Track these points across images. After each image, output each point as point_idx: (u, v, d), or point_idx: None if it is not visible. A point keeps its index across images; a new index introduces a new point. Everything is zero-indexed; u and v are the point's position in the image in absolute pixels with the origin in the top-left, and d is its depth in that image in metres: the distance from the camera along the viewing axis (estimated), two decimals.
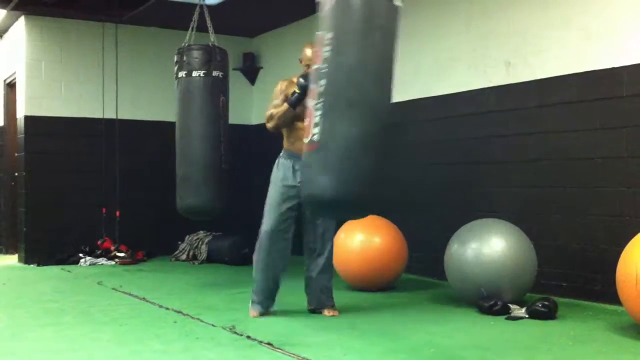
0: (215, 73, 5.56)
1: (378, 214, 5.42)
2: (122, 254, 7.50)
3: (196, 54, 5.54)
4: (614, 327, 4.02)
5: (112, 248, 7.57)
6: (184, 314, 4.52)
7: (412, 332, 3.99)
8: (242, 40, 8.71)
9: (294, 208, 4.36)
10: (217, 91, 5.60)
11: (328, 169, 3.22)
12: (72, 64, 7.83)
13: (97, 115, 7.79)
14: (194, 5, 5.86)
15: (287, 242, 4.42)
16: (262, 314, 4.44)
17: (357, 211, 3.51)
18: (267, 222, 4.39)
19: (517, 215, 5.13)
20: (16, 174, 8.13)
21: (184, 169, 5.60)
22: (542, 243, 4.94)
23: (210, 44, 5.65)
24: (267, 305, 4.47)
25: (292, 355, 3.43)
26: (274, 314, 4.52)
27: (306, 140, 3.32)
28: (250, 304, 4.50)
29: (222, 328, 4.05)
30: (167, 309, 4.73)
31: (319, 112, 3.27)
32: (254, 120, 8.53)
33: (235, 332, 3.93)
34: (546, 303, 4.28)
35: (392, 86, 3.40)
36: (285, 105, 4.35)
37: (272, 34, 8.51)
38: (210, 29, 5.74)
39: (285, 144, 4.50)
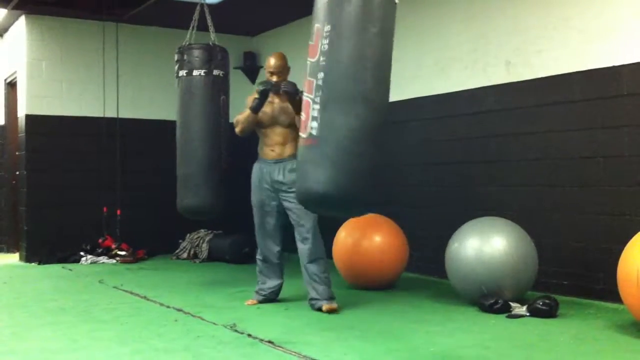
0: (215, 72, 5.56)
1: (378, 212, 5.43)
2: (123, 253, 7.51)
3: (197, 53, 5.54)
4: (615, 325, 4.02)
5: (113, 246, 7.57)
6: (185, 313, 4.52)
7: (412, 330, 3.99)
8: (242, 39, 8.71)
9: (269, 207, 4.78)
10: (218, 90, 5.60)
11: (327, 164, 3.18)
12: (73, 63, 7.83)
13: (98, 114, 7.80)
14: (194, 4, 5.86)
15: (276, 243, 4.84)
16: (260, 302, 4.81)
17: (355, 207, 3.47)
18: (256, 228, 4.89)
19: (517, 213, 5.14)
20: (17, 172, 8.14)
21: (185, 168, 5.60)
22: (542, 241, 4.94)
23: (210, 43, 5.65)
24: (265, 294, 4.84)
25: (293, 353, 3.43)
26: (275, 312, 4.53)
27: (303, 135, 3.29)
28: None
29: (223, 326, 4.06)
30: (168, 307, 4.74)
31: (316, 106, 3.24)
32: None
33: (236, 331, 3.93)
34: (547, 301, 4.28)
35: (389, 81, 3.39)
36: (248, 110, 4.70)
37: (272, 33, 8.52)
38: (211, 28, 5.74)
39: (258, 149, 4.90)
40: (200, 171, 5.53)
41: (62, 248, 7.48)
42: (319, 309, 4.51)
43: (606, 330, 3.92)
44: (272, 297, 4.86)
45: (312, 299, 4.60)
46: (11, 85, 8.51)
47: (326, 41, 3.27)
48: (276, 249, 4.85)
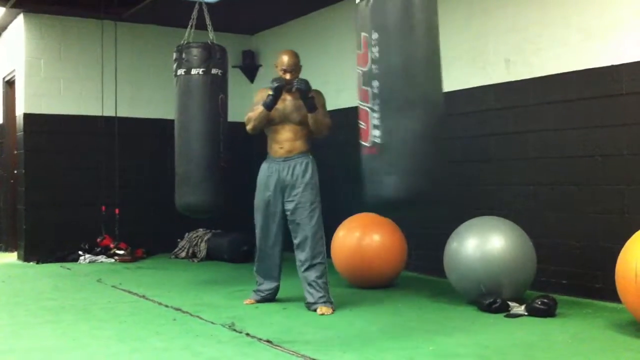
0: (214, 71, 5.56)
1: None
2: (121, 252, 7.50)
3: (195, 51, 5.53)
4: (613, 324, 4.02)
5: (112, 245, 7.57)
6: (183, 312, 4.52)
7: (411, 329, 3.99)
8: (241, 38, 8.71)
9: (273, 208, 4.69)
10: (216, 89, 5.60)
11: (394, 169, 3.26)
12: (72, 61, 7.83)
13: (96, 113, 7.78)
14: (193, 3, 5.85)
15: (277, 247, 4.77)
16: (258, 301, 4.80)
17: (428, 205, 3.56)
18: (255, 222, 4.81)
19: (516, 212, 5.14)
20: (15, 171, 8.13)
21: (183, 166, 5.59)
22: (541, 240, 4.94)
23: (209, 41, 5.64)
24: (263, 295, 4.83)
25: (292, 352, 3.43)
26: (274, 311, 4.53)
27: (366, 144, 3.33)
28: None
29: (222, 325, 4.05)
30: (166, 306, 4.73)
31: (376, 114, 3.29)
32: None
33: (235, 330, 3.93)
34: (546, 301, 4.28)
35: (441, 76, 3.42)
36: (261, 107, 4.62)
37: (271, 32, 8.51)
38: (210, 27, 5.73)
39: (267, 147, 4.81)
40: (199, 170, 5.52)
41: (60, 247, 7.47)
42: (314, 311, 4.49)
43: (605, 330, 3.92)
44: (270, 298, 4.86)
45: (308, 302, 4.58)
46: (9, 84, 8.50)
47: (375, 49, 3.31)
48: (276, 250, 4.78)
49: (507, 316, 4.26)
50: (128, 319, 4.34)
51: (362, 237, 5.41)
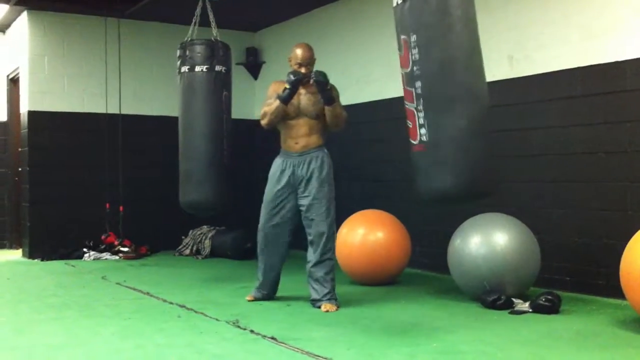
0: (218, 68, 5.55)
1: (380, 208, 5.42)
2: (125, 249, 7.51)
3: (199, 48, 5.53)
4: (617, 321, 4.02)
5: (116, 243, 7.58)
6: (187, 309, 4.52)
7: (414, 326, 4.00)
8: (244, 35, 8.70)
9: (284, 204, 4.63)
10: (220, 86, 5.59)
11: (443, 165, 3.38)
12: (75, 58, 7.84)
13: (100, 110, 7.80)
14: (196, 0, 5.85)
15: (281, 237, 4.68)
16: (257, 299, 4.76)
17: (479, 197, 3.71)
18: (261, 217, 4.72)
19: (520, 209, 5.13)
20: (20, 169, 8.15)
21: (187, 164, 5.60)
22: (545, 237, 4.94)
23: (213, 38, 5.64)
24: (264, 292, 4.78)
25: (296, 349, 3.43)
26: (278, 308, 4.53)
27: (414, 142, 3.47)
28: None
29: (226, 322, 4.06)
30: (170, 303, 4.74)
31: (421, 114, 3.41)
32: (257, 115, 8.47)
33: (239, 327, 3.93)
34: (550, 297, 4.28)
35: (483, 67, 3.48)
36: (277, 101, 4.54)
37: (274, 29, 8.50)
38: (213, 24, 5.73)
39: (281, 142, 4.71)
40: (203, 167, 5.52)
41: (65, 244, 7.49)
42: (319, 308, 4.49)
43: (609, 326, 3.92)
44: (270, 294, 4.82)
45: (312, 299, 4.58)
46: (13, 81, 8.51)
47: (415, 51, 3.40)
48: (283, 240, 4.69)
49: (511, 313, 4.26)
50: (132, 315, 4.34)
51: (366, 234, 5.41)
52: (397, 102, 5.74)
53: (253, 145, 8.09)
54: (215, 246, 7.55)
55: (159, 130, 7.84)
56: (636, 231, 3.91)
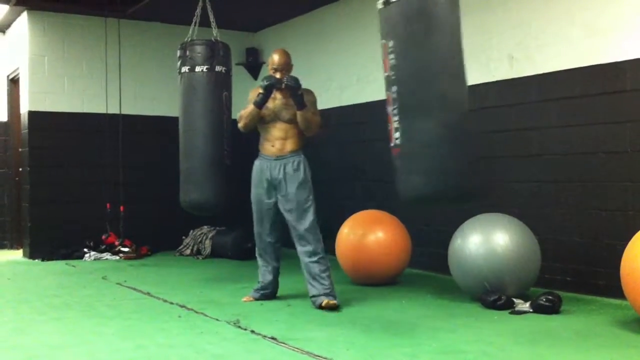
0: (218, 68, 5.55)
1: (380, 208, 5.42)
2: (126, 249, 7.52)
3: (199, 49, 5.53)
4: (618, 321, 4.02)
5: (117, 243, 7.58)
6: (188, 309, 4.53)
7: (415, 326, 4.00)
8: (245, 35, 8.71)
9: (269, 206, 4.75)
10: (220, 86, 5.59)
11: (415, 169, 3.46)
12: (75, 59, 7.84)
13: (101, 110, 7.79)
14: (196, 0, 5.85)
15: (272, 237, 4.81)
16: (256, 299, 4.82)
17: (459, 201, 3.76)
18: (254, 220, 4.86)
19: (520, 210, 5.13)
20: (20, 169, 8.15)
21: (187, 164, 5.60)
22: (546, 237, 4.94)
23: (213, 39, 5.64)
24: (263, 293, 4.85)
25: (296, 349, 3.44)
26: (278, 308, 4.54)
27: (391, 145, 3.56)
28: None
29: (227, 322, 4.06)
30: (171, 303, 4.74)
31: (396, 118, 3.49)
32: None
33: (240, 327, 3.94)
34: (550, 297, 4.28)
35: (464, 76, 3.54)
36: (252, 105, 4.70)
37: (274, 29, 8.51)
38: (213, 24, 5.73)
39: (259, 145, 4.87)
40: (203, 167, 5.53)
41: (65, 244, 7.49)
42: (320, 306, 4.50)
43: (609, 326, 3.92)
44: (269, 295, 4.86)
45: (312, 296, 4.60)
46: (13, 82, 8.51)
47: (392, 56, 3.49)
48: (273, 244, 4.83)
49: (511, 313, 4.27)
50: (133, 315, 4.35)
51: (366, 235, 5.41)
52: None
53: (253, 145, 8.07)
54: (216, 246, 7.55)
55: (159, 131, 7.84)
56: (636, 231, 3.91)
